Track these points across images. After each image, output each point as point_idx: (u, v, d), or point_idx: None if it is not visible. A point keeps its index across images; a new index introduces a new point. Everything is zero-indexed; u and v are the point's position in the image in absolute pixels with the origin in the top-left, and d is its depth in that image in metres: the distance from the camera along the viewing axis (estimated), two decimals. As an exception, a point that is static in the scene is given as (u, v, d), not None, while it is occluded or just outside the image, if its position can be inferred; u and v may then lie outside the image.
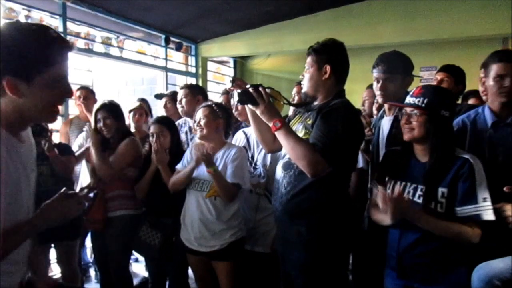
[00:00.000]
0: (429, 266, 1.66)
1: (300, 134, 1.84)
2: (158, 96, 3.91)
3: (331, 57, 1.86)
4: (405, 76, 2.14)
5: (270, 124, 1.75)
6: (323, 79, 1.85)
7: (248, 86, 1.78)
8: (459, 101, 2.91)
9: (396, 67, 2.13)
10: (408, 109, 1.67)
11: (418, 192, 1.66)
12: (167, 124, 2.66)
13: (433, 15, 4.89)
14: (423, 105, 1.63)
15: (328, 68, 1.83)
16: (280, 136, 1.74)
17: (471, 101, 3.00)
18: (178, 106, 3.14)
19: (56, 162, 2.66)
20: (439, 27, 4.90)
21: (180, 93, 3.14)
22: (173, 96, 3.58)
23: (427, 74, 5.65)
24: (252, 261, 2.41)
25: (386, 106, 2.21)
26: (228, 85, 1.89)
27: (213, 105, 2.41)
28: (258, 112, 1.76)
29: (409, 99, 1.69)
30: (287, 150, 1.78)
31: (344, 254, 1.95)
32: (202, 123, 2.32)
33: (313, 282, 1.83)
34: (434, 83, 2.74)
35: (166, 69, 6.04)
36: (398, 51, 2.23)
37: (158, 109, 4.32)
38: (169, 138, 2.61)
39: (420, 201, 1.64)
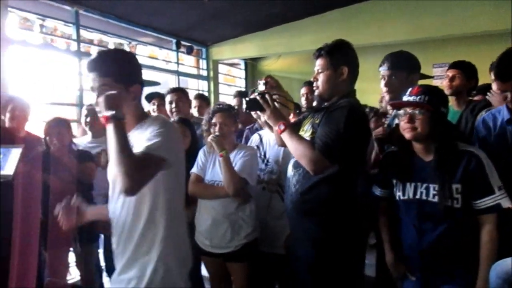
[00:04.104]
0: (451, 263, 1.67)
1: (308, 133, 1.89)
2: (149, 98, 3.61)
3: (346, 58, 1.89)
4: (410, 73, 2.15)
5: (276, 128, 1.86)
6: (339, 80, 1.88)
7: (256, 94, 1.89)
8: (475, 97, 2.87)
9: (400, 63, 2.15)
10: (408, 109, 1.68)
11: (432, 191, 1.67)
12: (189, 125, 2.68)
13: (443, 12, 4.85)
14: (425, 102, 1.65)
15: (345, 69, 1.87)
16: (284, 138, 1.84)
17: (479, 97, 2.95)
18: (173, 108, 3.19)
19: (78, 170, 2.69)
20: (449, 23, 4.86)
21: (172, 96, 3.20)
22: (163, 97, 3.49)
23: (440, 71, 5.59)
24: (266, 262, 2.43)
25: None
26: (262, 88, 1.94)
27: (232, 110, 2.43)
28: (265, 117, 1.88)
29: (408, 98, 1.70)
30: (291, 151, 1.86)
31: (355, 253, 1.95)
32: (221, 128, 2.34)
33: (321, 280, 1.84)
34: (446, 80, 2.72)
35: (177, 73, 6.09)
36: (404, 50, 2.24)
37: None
38: (190, 140, 2.62)
39: (435, 200, 1.65)
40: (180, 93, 3.24)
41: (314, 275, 1.87)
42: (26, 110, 2.83)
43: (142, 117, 1.55)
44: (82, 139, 3.30)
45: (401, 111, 1.71)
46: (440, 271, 1.70)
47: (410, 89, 1.72)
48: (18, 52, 3.82)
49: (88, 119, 3.20)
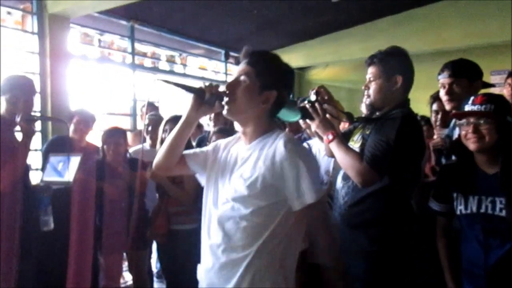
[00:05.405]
0: None
1: (358, 144, 1.84)
2: None
3: (401, 66, 1.82)
4: (472, 81, 2.05)
5: (324, 137, 1.81)
6: (393, 90, 1.81)
7: (305, 102, 1.85)
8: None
9: (461, 71, 2.06)
10: (472, 119, 1.59)
11: (499, 205, 1.57)
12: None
13: (502, 15, 4.60)
14: (491, 111, 1.56)
15: (399, 78, 1.80)
16: (332, 148, 1.79)
17: None
18: None
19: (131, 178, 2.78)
20: (508, 27, 4.60)
21: None
22: None
23: (499, 78, 5.30)
24: (317, 273, 2.39)
25: None
26: (313, 98, 1.88)
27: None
28: (313, 126, 1.83)
29: (471, 108, 1.61)
30: (339, 161, 1.81)
31: (408, 267, 1.87)
32: None
33: None
34: (508, 88, 2.58)
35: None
36: (464, 58, 2.15)
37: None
38: None
39: (502, 214, 1.56)
40: None
41: None
42: (90, 124, 2.98)
43: (268, 129, 1.42)
44: (139, 148, 3.42)
45: (463, 121, 1.62)
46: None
47: (472, 98, 1.63)
48: (79, 65, 4.06)
49: (150, 128, 3.32)
